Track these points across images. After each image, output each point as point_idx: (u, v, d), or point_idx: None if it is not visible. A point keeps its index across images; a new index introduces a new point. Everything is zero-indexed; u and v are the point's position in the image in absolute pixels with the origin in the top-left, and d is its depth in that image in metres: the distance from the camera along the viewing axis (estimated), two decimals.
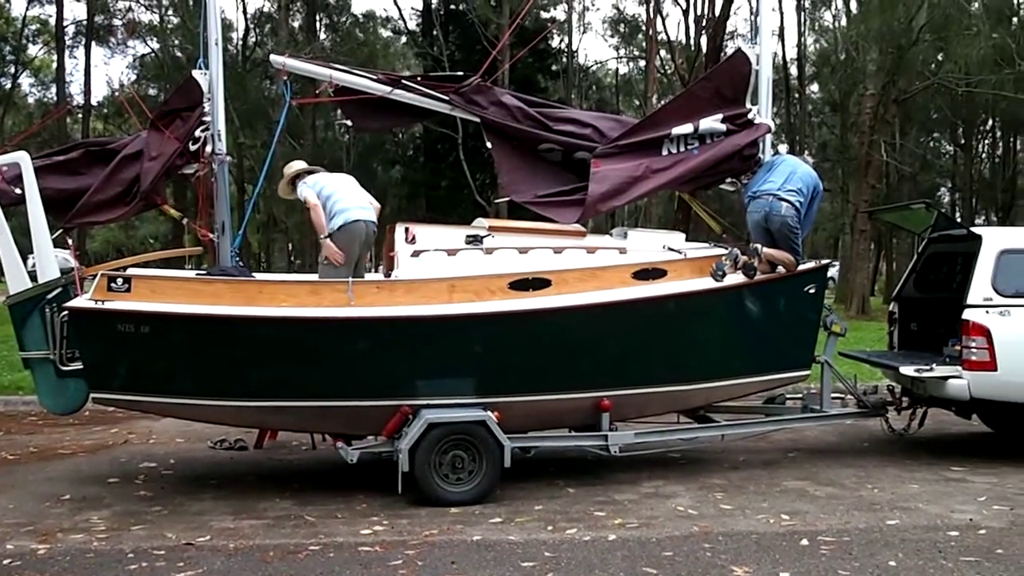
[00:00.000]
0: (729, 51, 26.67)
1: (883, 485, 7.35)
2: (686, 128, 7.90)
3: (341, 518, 6.40)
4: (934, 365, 8.01)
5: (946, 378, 7.92)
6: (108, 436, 9.53)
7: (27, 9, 38.45)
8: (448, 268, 7.18)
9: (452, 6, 30.15)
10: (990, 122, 39.28)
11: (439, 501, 6.68)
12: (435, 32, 27.66)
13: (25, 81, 42.51)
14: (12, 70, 38.68)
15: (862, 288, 27.36)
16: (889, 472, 7.83)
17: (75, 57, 37.67)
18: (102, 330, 6.60)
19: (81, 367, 6.87)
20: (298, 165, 7.78)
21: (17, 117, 41.40)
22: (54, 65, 37.81)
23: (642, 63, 41.74)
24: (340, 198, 7.36)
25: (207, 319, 6.55)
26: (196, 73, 7.68)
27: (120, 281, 6.61)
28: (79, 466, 8.15)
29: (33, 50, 40.95)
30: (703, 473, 7.79)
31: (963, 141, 40.16)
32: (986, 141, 43.18)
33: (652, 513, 6.52)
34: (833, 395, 8.54)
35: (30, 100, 43.62)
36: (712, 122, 7.95)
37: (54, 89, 38.34)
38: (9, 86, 39.23)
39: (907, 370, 8.08)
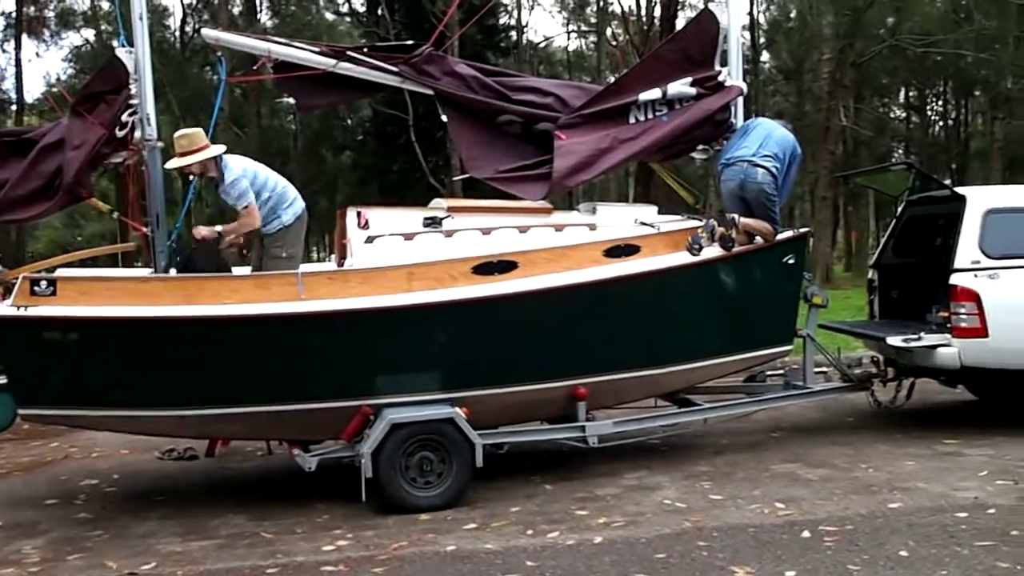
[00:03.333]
0: (681, 21, 26.31)
1: (877, 464, 6.96)
2: (654, 93, 7.40)
3: (301, 533, 5.85)
4: (922, 334, 7.61)
5: (935, 347, 7.54)
6: (47, 451, 8.83)
7: None
8: (406, 254, 6.62)
9: None
10: (942, 84, 39.37)
11: (407, 507, 6.16)
12: (380, 11, 26.83)
13: None
14: None
15: (825, 257, 27.19)
16: (880, 449, 7.44)
17: (6, 51, 36.30)
18: (26, 339, 5.94)
19: (5, 381, 6.24)
20: (197, 138, 6.70)
21: None
22: None
23: (593, 37, 41.15)
24: (278, 183, 6.99)
25: (139, 322, 5.93)
26: (120, 51, 6.94)
27: (44, 284, 5.95)
28: (14, 487, 7.48)
29: None
30: (687, 461, 7.33)
31: (917, 104, 40.21)
32: (938, 104, 43.33)
33: (638, 508, 6.06)
34: (815, 370, 8.12)
35: None
36: (681, 86, 7.45)
37: None
38: None
39: (894, 340, 7.68)
